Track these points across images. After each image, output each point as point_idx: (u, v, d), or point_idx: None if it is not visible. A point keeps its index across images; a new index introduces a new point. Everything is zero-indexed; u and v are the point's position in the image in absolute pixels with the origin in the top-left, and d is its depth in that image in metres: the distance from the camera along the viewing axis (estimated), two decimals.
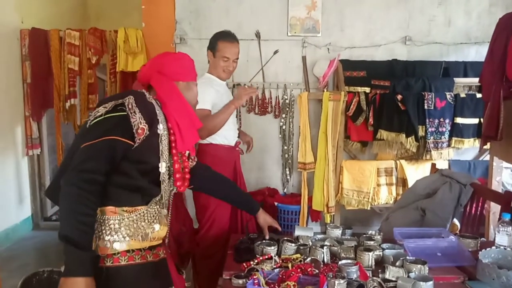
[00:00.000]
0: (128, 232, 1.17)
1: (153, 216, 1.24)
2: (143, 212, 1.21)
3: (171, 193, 1.36)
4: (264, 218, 1.78)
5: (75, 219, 1.05)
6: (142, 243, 1.21)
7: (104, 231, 1.15)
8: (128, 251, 1.17)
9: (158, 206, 1.26)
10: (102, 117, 1.15)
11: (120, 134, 1.14)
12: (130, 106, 1.17)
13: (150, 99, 1.25)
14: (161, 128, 1.23)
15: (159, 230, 1.26)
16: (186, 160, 1.41)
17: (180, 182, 1.33)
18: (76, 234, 1.04)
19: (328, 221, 3.24)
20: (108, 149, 1.12)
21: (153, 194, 1.25)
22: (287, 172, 3.56)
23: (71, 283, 1.02)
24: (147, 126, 1.18)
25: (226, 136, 2.26)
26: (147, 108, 1.21)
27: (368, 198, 3.28)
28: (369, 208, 3.33)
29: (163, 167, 1.24)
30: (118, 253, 1.16)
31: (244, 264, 1.45)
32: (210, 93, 2.19)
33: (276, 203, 3.29)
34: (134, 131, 1.15)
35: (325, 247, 1.52)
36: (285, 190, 3.61)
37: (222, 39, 2.23)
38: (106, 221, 1.16)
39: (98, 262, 1.14)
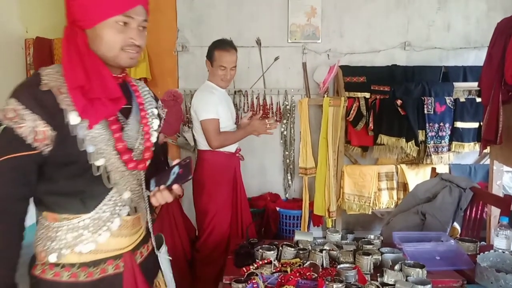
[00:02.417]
0: (65, 242, 0.98)
1: (102, 223, 1.01)
2: (87, 219, 1.00)
3: (138, 181, 1.09)
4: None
5: None
6: (80, 257, 0.99)
7: (42, 239, 1.00)
8: (57, 264, 0.98)
9: (112, 210, 1.02)
10: None
11: (16, 150, 0.91)
12: (10, 116, 0.90)
13: (48, 85, 0.93)
14: (73, 117, 0.93)
15: (110, 239, 1.02)
16: (148, 132, 1.12)
17: (133, 164, 1.04)
18: None
19: (330, 226, 3.25)
20: (10, 171, 0.92)
21: (98, 195, 1.01)
22: (289, 177, 3.58)
23: None
24: (49, 126, 0.92)
25: None
26: (43, 102, 0.92)
27: (369, 203, 3.29)
28: (370, 213, 3.33)
29: (92, 158, 0.97)
30: (47, 263, 0.99)
31: (244, 269, 1.47)
32: (213, 100, 2.23)
33: (278, 208, 3.31)
34: (31, 140, 0.91)
35: (324, 252, 1.54)
36: (286, 195, 3.63)
37: (218, 48, 2.25)
38: (46, 229, 1.00)
39: (32, 267, 1.02)
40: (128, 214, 1.07)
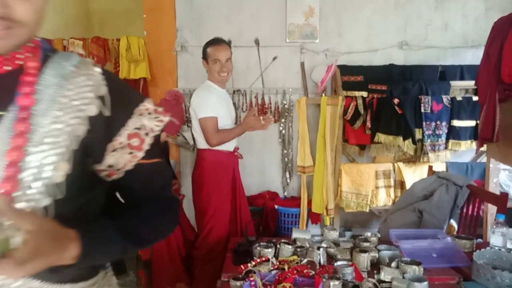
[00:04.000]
0: None
1: None
2: None
3: None
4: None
5: None
6: None
7: None
8: None
9: None
10: None
11: None
12: None
13: None
14: None
15: None
16: (16, 162, 0.61)
17: None
18: None
19: (328, 224, 3.27)
20: None
21: None
22: (287, 176, 3.60)
23: None
24: None
25: None
26: None
27: (367, 201, 3.30)
28: (368, 211, 3.35)
29: None
30: None
31: (242, 266, 1.48)
32: (212, 99, 2.25)
33: (276, 206, 3.33)
34: None
35: (321, 249, 1.56)
36: (285, 193, 3.65)
37: (210, 45, 2.31)
38: None
39: None
40: None
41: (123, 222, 0.72)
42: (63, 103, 0.65)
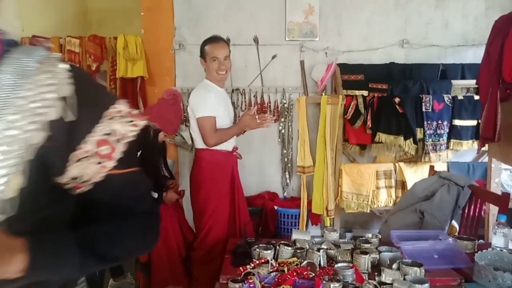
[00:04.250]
0: None
1: None
2: None
3: None
4: None
5: None
6: None
7: None
8: None
9: None
10: None
11: None
12: None
13: None
14: None
15: None
16: None
17: None
18: None
19: (328, 225, 3.24)
20: None
21: None
22: (287, 176, 3.58)
23: None
24: None
25: None
26: None
27: (368, 201, 3.28)
28: (368, 211, 3.33)
29: None
30: None
31: (241, 268, 1.46)
32: (210, 98, 2.23)
33: (276, 207, 3.30)
34: None
35: (321, 251, 1.54)
36: (285, 194, 3.62)
37: (207, 43, 2.29)
38: None
39: None
40: None
41: (86, 236, 0.64)
42: (19, 105, 0.57)
